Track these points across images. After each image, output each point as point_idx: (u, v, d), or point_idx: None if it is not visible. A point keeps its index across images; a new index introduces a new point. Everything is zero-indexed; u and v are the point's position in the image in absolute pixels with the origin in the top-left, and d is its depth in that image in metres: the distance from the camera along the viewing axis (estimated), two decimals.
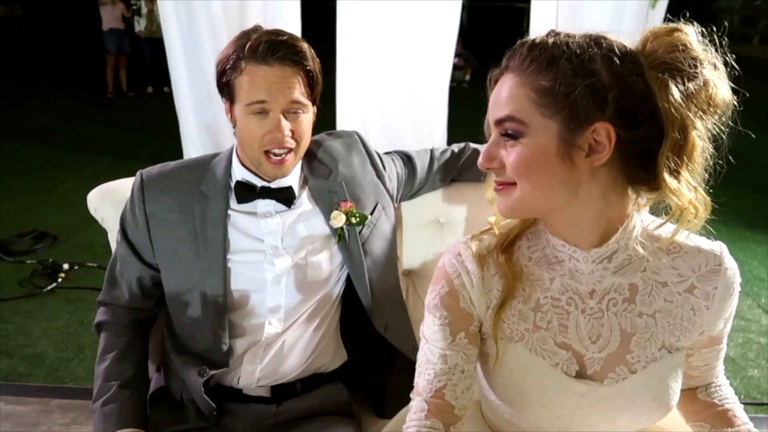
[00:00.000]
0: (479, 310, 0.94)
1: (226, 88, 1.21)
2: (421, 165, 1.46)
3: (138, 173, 1.30)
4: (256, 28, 1.21)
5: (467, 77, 9.56)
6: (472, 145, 1.52)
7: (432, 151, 1.50)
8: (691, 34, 0.80)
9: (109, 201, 1.42)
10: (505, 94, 0.82)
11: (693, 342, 0.94)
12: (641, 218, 0.89)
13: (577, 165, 0.80)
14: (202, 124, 5.09)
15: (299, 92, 1.18)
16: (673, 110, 0.76)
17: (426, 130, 4.97)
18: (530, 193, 0.83)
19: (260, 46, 1.15)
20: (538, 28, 4.67)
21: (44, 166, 5.64)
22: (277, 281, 1.26)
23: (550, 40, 0.81)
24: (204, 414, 1.25)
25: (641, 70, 0.78)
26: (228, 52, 1.19)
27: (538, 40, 0.81)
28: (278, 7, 4.49)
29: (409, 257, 1.55)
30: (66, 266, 3.46)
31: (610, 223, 0.86)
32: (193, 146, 5.13)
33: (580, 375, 0.90)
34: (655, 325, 0.89)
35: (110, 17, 8.41)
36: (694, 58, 0.78)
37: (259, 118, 1.18)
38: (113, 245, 1.42)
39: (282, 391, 1.31)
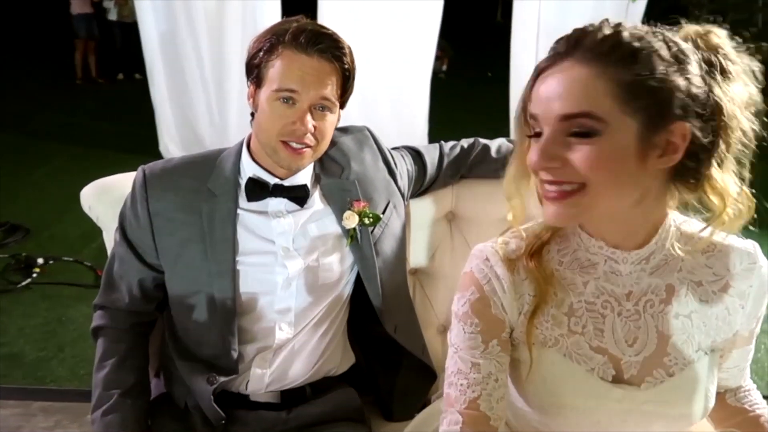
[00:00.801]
0: (511, 316, 0.90)
1: (255, 69, 1.15)
2: (431, 161, 1.42)
3: (140, 169, 1.23)
4: (299, 18, 1.15)
5: (444, 68, 9.52)
6: (482, 141, 1.48)
7: (441, 146, 1.45)
8: (723, 36, 0.81)
9: (105, 198, 1.34)
10: (576, 86, 0.76)
11: (726, 342, 0.92)
12: (674, 217, 0.88)
13: (648, 166, 0.77)
14: (180, 116, 4.97)
15: (332, 89, 1.13)
16: (732, 109, 0.77)
17: (407, 121, 4.94)
18: (602, 196, 0.78)
19: (303, 34, 1.10)
20: (521, 22, 4.68)
21: (12, 155, 5.42)
22: (288, 284, 1.21)
23: (623, 31, 0.76)
24: (211, 422, 1.20)
25: (704, 69, 0.77)
26: (267, 34, 1.13)
27: (609, 31, 0.76)
28: None
29: (417, 255, 1.51)
30: (41, 260, 3.33)
31: (653, 224, 0.85)
32: (169, 137, 5.01)
33: (617, 380, 0.88)
34: (691, 326, 0.88)
35: (79, 1, 8.12)
36: (734, 61, 0.79)
37: (284, 106, 1.12)
38: (109, 245, 1.35)
39: (291, 397, 1.27)
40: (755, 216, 0.83)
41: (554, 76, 0.78)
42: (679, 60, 0.76)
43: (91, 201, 1.35)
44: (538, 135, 0.80)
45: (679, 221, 0.88)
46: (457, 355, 0.90)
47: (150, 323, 1.31)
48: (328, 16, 4.30)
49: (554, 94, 0.77)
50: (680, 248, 0.86)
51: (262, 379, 1.23)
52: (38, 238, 3.73)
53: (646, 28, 0.79)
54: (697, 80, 0.76)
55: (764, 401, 1.01)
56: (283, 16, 4.38)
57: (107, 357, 1.22)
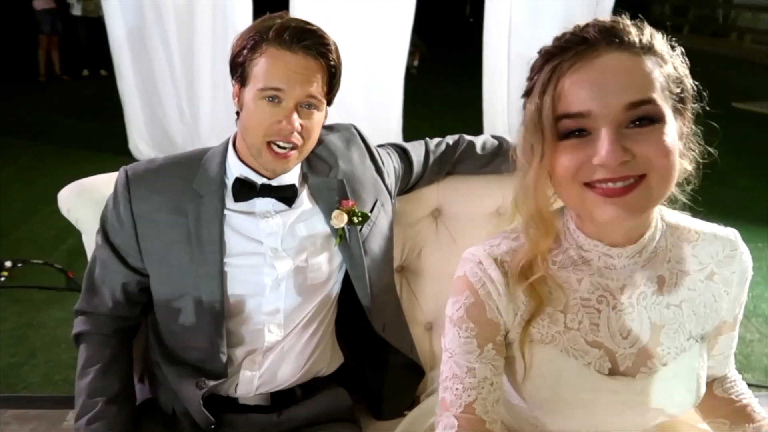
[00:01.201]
0: (506, 319, 0.90)
1: (239, 68, 1.12)
2: (417, 158, 1.42)
3: (122, 169, 1.20)
4: (283, 15, 1.13)
5: (416, 63, 9.52)
6: (467, 137, 1.48)
7: (427, 143, 1.45)
8: None
9: (84, 200, 1.30)
10: (638, 74, 0.75)
11: (714, 328, 0.94)
12: (659, 209, 0.90)
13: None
14: (150, 114, 4.87)
15: (318, 87, 1.11)
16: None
17: (382, 118, 4.93)
18: (661, 186, 0.77)
19: (287, 31, 1.07)
20: (492, 18, 4.70)
21: None
22: (277, 285, 1.19)
23: (646, 29, 0.79)
24: (200, 427, 1.18)
25: None
26: (250, 32, 1.11)
27: (649, 31, 0.79)
28: None
29: (403, 253, 1.50)
30: (9, 264, 3.22)
31: (647, 219, 0.87)
32: (139, 135, 4.92)
33: (613, 372, 0.89)
34: (682, 315, 0.90)
35: None
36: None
37: (270, 105, 1.10)
38: (89, 249, 1.32)
39: (282, 399, 1.25)
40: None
41: (600, 66, 0.76)
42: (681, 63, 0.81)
43: (70, 203, 1.31)
44: (579, 134, 0.77)
45: (664, 213, 0.91)
46: (452, 360, 0.89)
47: (134, 328, 1.28)
48: (300, 13, 4.24)
49: (613, 86, 0.75)
50: (668, 239, 0.89)
51: (251, 381, 1.22)
52: (5, 240, 3.61)
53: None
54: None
55: (750, 391, 1.04)
56: (254, 15, 4.38)
57: (91, 363, 1.19)
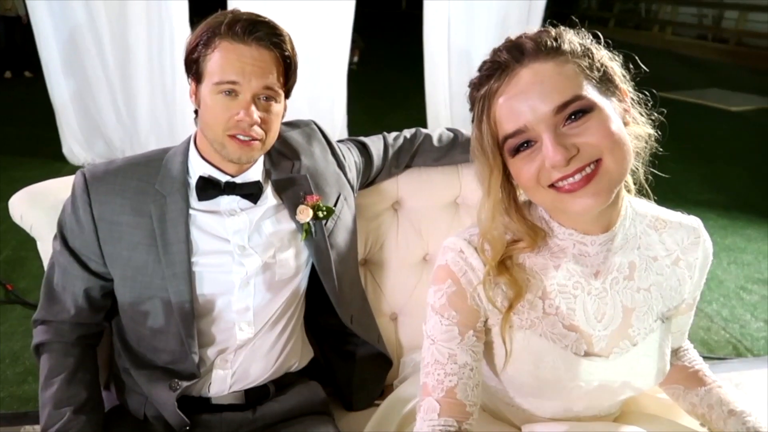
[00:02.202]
0: (486, 305, 0.93)
1: (194, 65, 1.11)
2: (377, 152, 1.44)
3: (79, 173, 1.16)
4: (234, 10, 1.12)
5: (356, 59, 9.52)
6: (423, 131, 1.52)
7: (385, 137, 1.47)
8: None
9: (38, 205, 1.26)
10: (556, 79, 0.81)
11: (676, 309, 1.01)
12: (628, 199, 0.95)
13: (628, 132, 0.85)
14: (84, 116, 4.68)
15: (274, 78, 1.10)
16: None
17: (326, 114, 4.93)
18: (618, 162, 0.81)
19: (239, 24, 1.07)
20: (432, 15, 4.77)
21: None
22: (246, 283, 1.19)
23: (564, 33, 0.84)
24: (174, 430, 1.16)
25: None
26: (202, 29, 1.09)
27: (554, 33, 0.84)
28: None
29: (366, 246, 1.52)
30: None
31: (617, 207, 0.92)
32: (73, 138, 4.73)
33: (588, 353, 0.94)
34: (651, 298, 0.96)
35: None
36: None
37: (227, 98, 1.09)
38: (44, 256, 1.27)
39: (256, 396, 1.25)
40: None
41: (519, 86, 0.82)
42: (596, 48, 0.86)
43: (23, 209, 1.26)
44: (524, 148, 0.83)
45: (633, 203, 0.96)
46: (434, 347, 0.93)
47: (98, 334, 1.24)
48: None
49: (535, 97, 0.80)
50: (637, 226, 0.95)
51: (224, 380, 1.21)
52: None
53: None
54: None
55: (701, 358, 1.12)
56: (191, 16, 4.28)
57: (55, 373, 1.15)
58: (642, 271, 0.95)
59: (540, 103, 0.80)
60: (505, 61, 0.83)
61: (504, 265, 0.92)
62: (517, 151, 0.84)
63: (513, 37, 0.85)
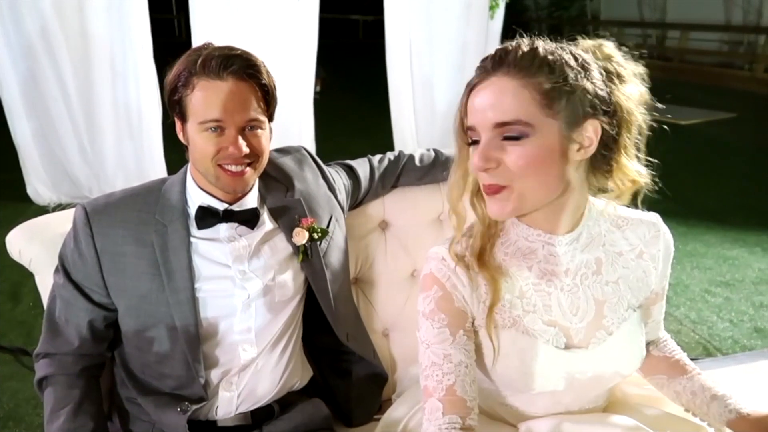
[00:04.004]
0: (472, 306, 1.01)
1: (177, 106, 1.15)
2: (364, 174, 1.50)
3: (79, 207, 1.19)
4: (207, 45, 1.15)
5: (318, 89, 9.62)
6: (405, 152, 1.59)
7: (370, 160, 1.54)
8: (611, 47, 0.98)
9: (37, 240, 1.27)
10: (506, 97, 0.88)
11: (646, 299, 1.10)
12: (593, 200, 1.03)
13: (569, 159, 0.91)
14: (48, 156, 4.62)
15: (255, 108, 1.14)
16: (630, 106, 0.93)
17: (295, 142, 4.97)
18: (533, 189, 0.91)
19: (213, 61, 1.10)
20: (394, 43, 4.91)
21: None
22: (248, 306, 1.23)
23: (539, 47, 0.90)
24: None
25: (603, 74, 0.93)
26: (179, 69, 1.13)
27: (526, 48, 0.90)
28: (124, 18, 4.24)
29: (356, 266, 1.57)
30: None
31: (578, 210, 1.00)
32: (38, 179, 4.65)
33: (568, 346, 1.02)
34: (619, 290, 1.05)
35: None
36: (624, 68, 0.96)
37: (214, 134, 1.13)
38: (43, 290, 1.28)
39: (261, 415, 1.28)
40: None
41: (485, 89, 0.91)
42: (585, 68, 0.91)
43: (21, 245, 1.27)
44: (476, 143, 0.93)
45: (597, 205, 1.04)
46: (429, 351, 0.99)
47: (101, 365, 1.26)
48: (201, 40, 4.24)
49: (487, 105, 0.90)
50: (601, 225, 1.03)
51: (231, 401, 1.24)
52: None
53: (554, 43, 0.94)
54: (600, 84, 0.92)
55: (679, 348, 1.20)
56: (156, 51, 4.30)
57: (61, 406, 1.16)
58: (609, 266, 1.04)
59: (489, 113, 0.89)
60: (486, 65, 0.92)
61: (482, 260, 1.00)
62: (472, 142, 0.94)
63: (510, 45, 0.93)
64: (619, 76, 0.95)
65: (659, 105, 1.00)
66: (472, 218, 1.04)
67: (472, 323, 1.02)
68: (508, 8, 5.26)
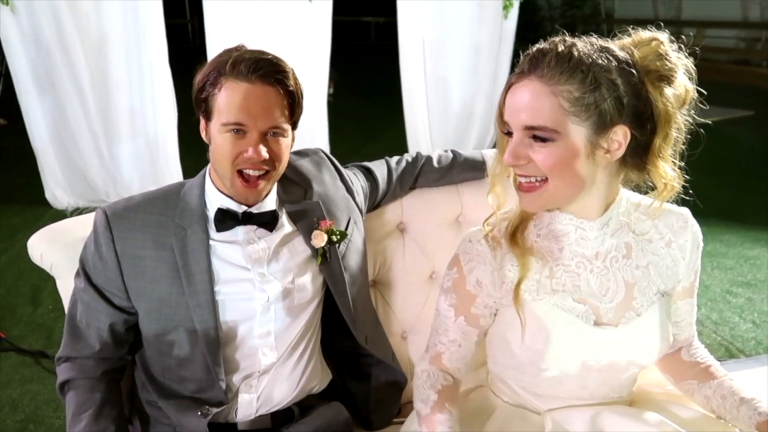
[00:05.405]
0: (489, 287, 1.06)
1: (203, 104, 1.16)
2: (381, 176, 1.49)
3: (99, 210, 1.19)
4: (239, 47, 1.16)
5: (331, 91, 9.65)
6: (423, 154, 1.58)
7: (388, 161, 1.53)
8: (666, 42, 0.96)
9: (57, 245, 1.28)
10: (536, 102, 0.92)
11: (674, 289, 1.12)
12: (624, 192, 1.06)
13: (596, 161, 0.94)
14: (66, 161, 4.67)
15: (279, 115, 1.14)
16: (669, 110, 0.94)
17: (309, 144, 4.98)
18: (561, 188, 0.96)
19: (242, 63, 1.11)
20: (407, 44, 4.90)
21: None
22: (267, 309, 1.22)
23: (575, 52, 0.91)
24: None
25: (642, 78, 0.93)
26: (209, 68, 1.14)
27: (562, 50, 0.91)
28: (140, 22, 4.27)
29: (375, 268, 1.57)
30: None
31: (609, 199, 1.03)
32: (56, 183, 4.70)
33: (597, 323, 1.04)
34: (649, 274, 1.07)
35: None
36: (674, 65, 0.95)
37: (235, 136, 1.13)
38: (64, 294, 1.29)
39: (281, 419, 1.28)
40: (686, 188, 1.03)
41: (519, 90, 0.95)
42: (621, 72, 0.92)
43: (43, 248, 1.28)
44: (510, 134, 0.97)
45: (628, 195, 1.07)
46: (438, 318, 1.14)
47: (121, 369, 1.26)
48: (216, 45, 4.26)
49: (520, 106, 0.95)
50: (631, 214, 1.07)
51: (251, 404, 1.24)
52: None
53: (592, 43, 0.93)
54: (635, 88, 0.92)
55: (711, 356, 1.19)
56: (170, 55, 4.33)
57: (83, 409, 1.17)
58: (639, 252, 1.07)
59: (521, 113, 0.94)
60: (523, 66, 0.95)
61: (515, 238, 1.06)
62: (508, 133, 0.98)
63: (547, 45, 0.94)
64: (663, 77, 0.95)
65: (703, 106, 1.00)
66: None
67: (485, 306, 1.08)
68: (521, 8, 5.23)
